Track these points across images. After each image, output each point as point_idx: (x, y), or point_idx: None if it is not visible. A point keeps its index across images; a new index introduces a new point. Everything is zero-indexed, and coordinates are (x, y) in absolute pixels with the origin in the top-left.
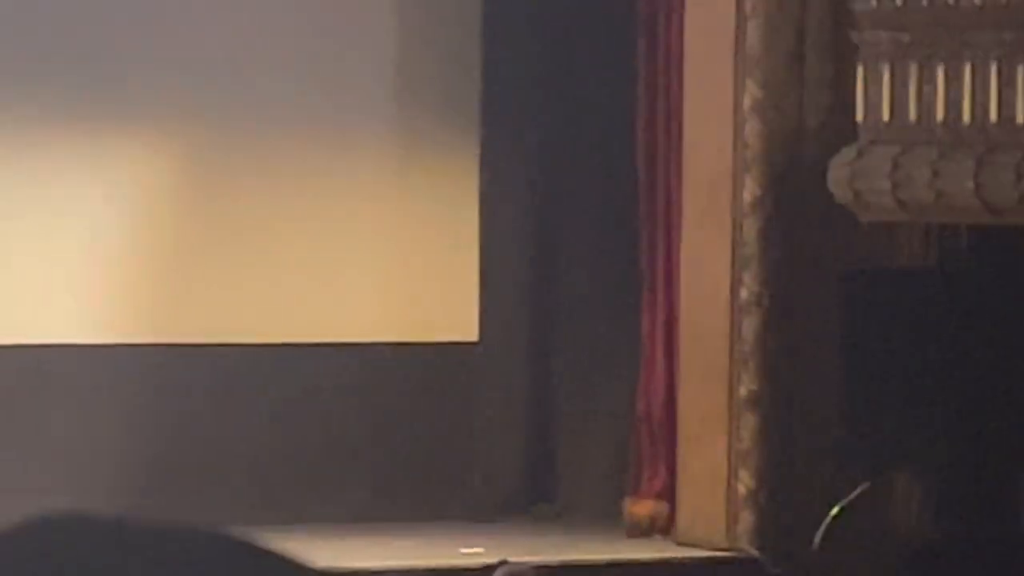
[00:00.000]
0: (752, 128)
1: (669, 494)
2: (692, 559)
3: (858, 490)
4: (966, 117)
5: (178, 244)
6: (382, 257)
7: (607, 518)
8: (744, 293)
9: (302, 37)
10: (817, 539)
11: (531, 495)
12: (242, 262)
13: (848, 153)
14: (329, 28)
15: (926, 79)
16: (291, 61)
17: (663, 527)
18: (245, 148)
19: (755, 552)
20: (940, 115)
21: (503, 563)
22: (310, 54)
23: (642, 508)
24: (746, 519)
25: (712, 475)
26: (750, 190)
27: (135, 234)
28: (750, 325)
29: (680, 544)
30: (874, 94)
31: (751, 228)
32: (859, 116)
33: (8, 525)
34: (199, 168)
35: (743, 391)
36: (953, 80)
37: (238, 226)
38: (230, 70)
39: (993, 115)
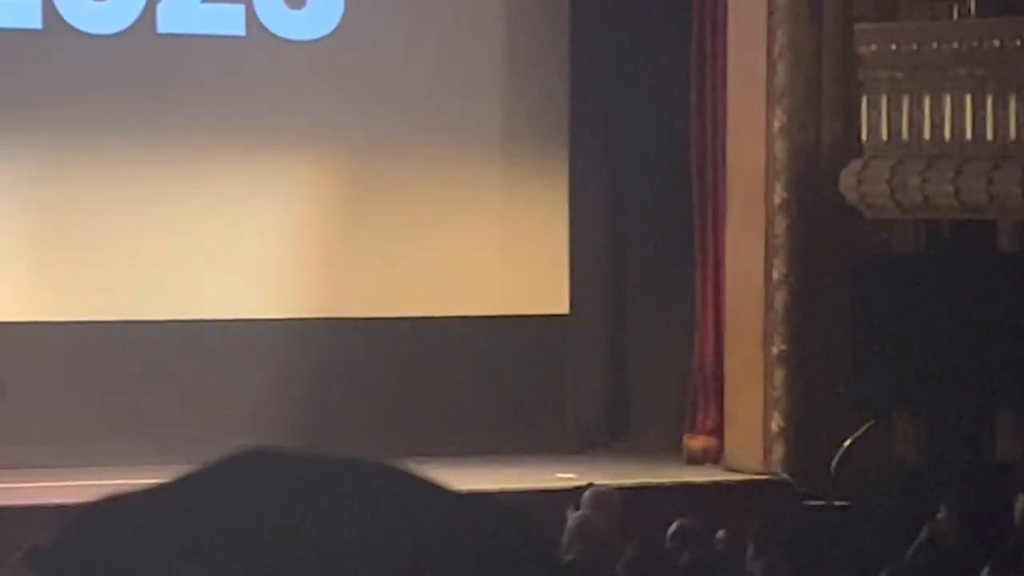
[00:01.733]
0: (780, 146)
1: (719, 431)
2: (737, 481)
3: (864, 427)
4: (947, 136)
5: (329, 240)
6: (492, 250)
7: (671, 450)
8: (775, 274)
9: (427, 76)
10: (833, 466)
11: (611, 433)
12: (381, 252)
13: (855, 165)
14: (446, 65)
15: (915, 107)
16: (420, 93)
17: (714, 457)
18: (383, 161)
19: (786, 476)
20: (927, 135)
21: (590, 485)
22: (434, 85)
23: (698, 442)
24: (778, 451)
25: (751, 416)
26: (779, 194)
27: (299, 232)
28: (780, 299)
29: (727, 470)
30: (875, 119)
31: (780, 224)
32: (864, 136)
33: (211, 459)
34: (349, 179)
35: (775, 351)
36: (936, 107)
37: (376, 223)
38: (371, 108)
39: (968, 134)
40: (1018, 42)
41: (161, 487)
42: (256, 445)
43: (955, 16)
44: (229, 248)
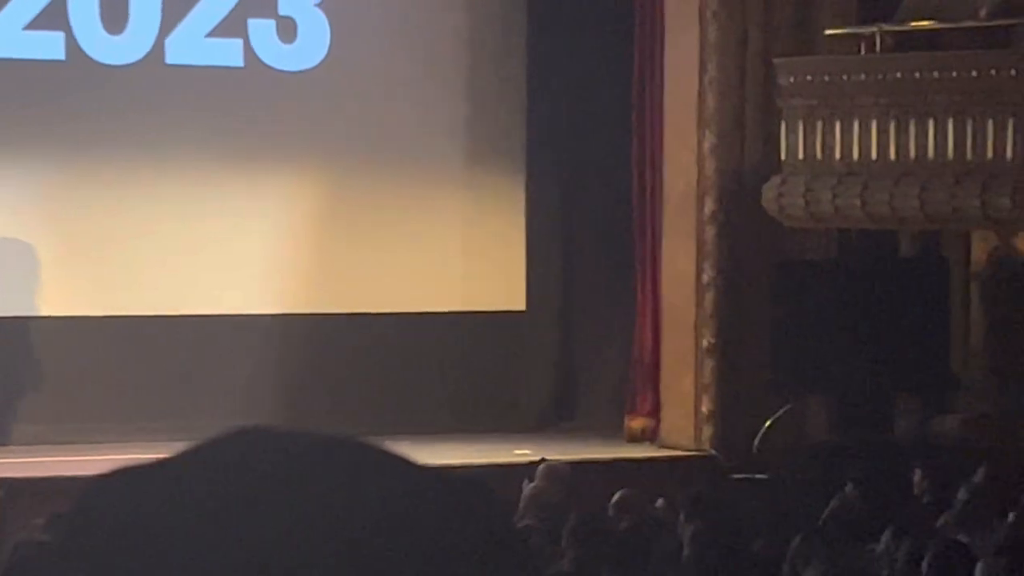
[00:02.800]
0: (709, 164)
1: (655, 413)
2: (671, 457)
3: (783, 410)
4: (855, 156)
5: (315, 241)
6: (452, 249)
7: (613, 430)
8: (705, 276)
9: (394, 101)
10: (755, 443)
11: (561, 415)
12: (356, 253)
13: (775, 181)
14: (413, 91)
15: (828, 131)
16: (389, 116)
17: (651, 436)
18: (356, 173)
19: (714, 452)
20: (838, 155)
21: (543, 460)
22: (401, 109)
23: (637, 423)
24: (707, 430)
25: (684, 400)
26: (708, 206)
27: (290, 234)
28: (710, 298)
29: (663, 447)
30: (792, 141)
31: (709, 232)
32: (783, 156)
33: (208, 437)
34: (334, 186)
35: (705, 343)
36: (846, 131)
37: (351, 228)
38: (350, 128)
39: (874, 154)
40: (916, 74)
41: (167, 460)
42: (250, 424)
43: (863, 51)
44: (223, 249)
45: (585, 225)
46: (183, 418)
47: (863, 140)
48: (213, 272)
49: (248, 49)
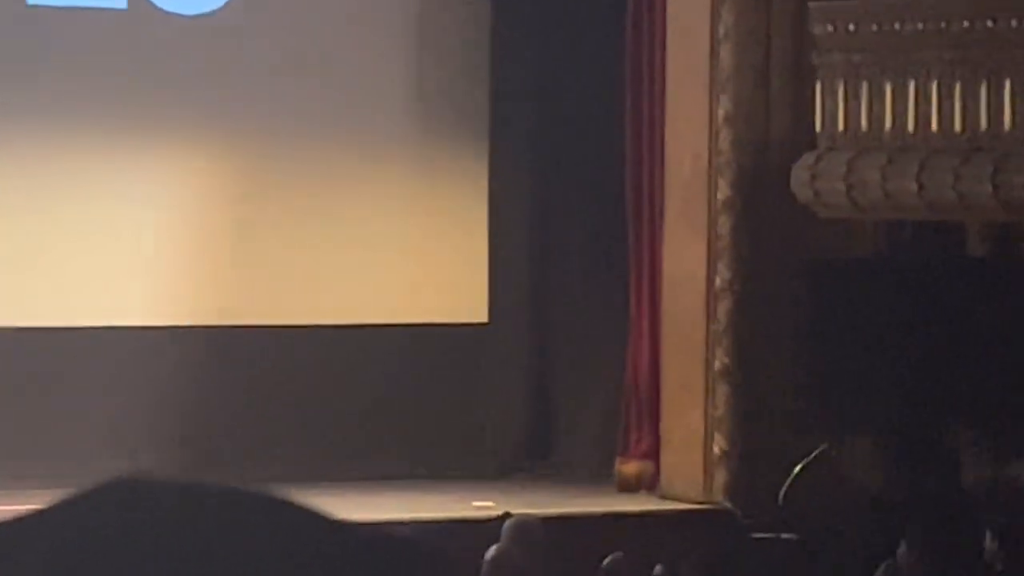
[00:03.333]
0: (724, 137)
1: (654, 455)
2: (674, 511)
3: (817, 451)
4: (910, 127)
5: (225, 239)
6: (405, 253)
7: (600, 476)
8: (718, 280)
9: (331, 58)
10: (782, 494)
11: (533, 456)
12: (282, 255)
13: (808, 159)
14: (353, 48)
15: (875, 94)
16: (323, 77)
17: (649, 484)
18: (285, 155)
19: (728, 505)
20: (888, 125)
21: (510, 515)
22: (340, 69)
23: (630, 467)
24: (720, 477)
25: (691, 438)
26: (723, 191)
27: (188, 229)
28: (723, 308)
29: (663, 498)
30: (830, 107)
31: (724, 224)
32: (817, 126)
33: (79, 489)
34: (242, 173)
35: (717, 365)
36: (899, 95)
37: (278, 224)
38: (271, 88)
39: (934, 125)
40: (990, 22)
41: (24, 518)
42: (126, 474)
43: None
44: (102, 247)
45: (563, 217)
46: (51, 457)
47: (921, 106)
48: (85, 274)
49: None
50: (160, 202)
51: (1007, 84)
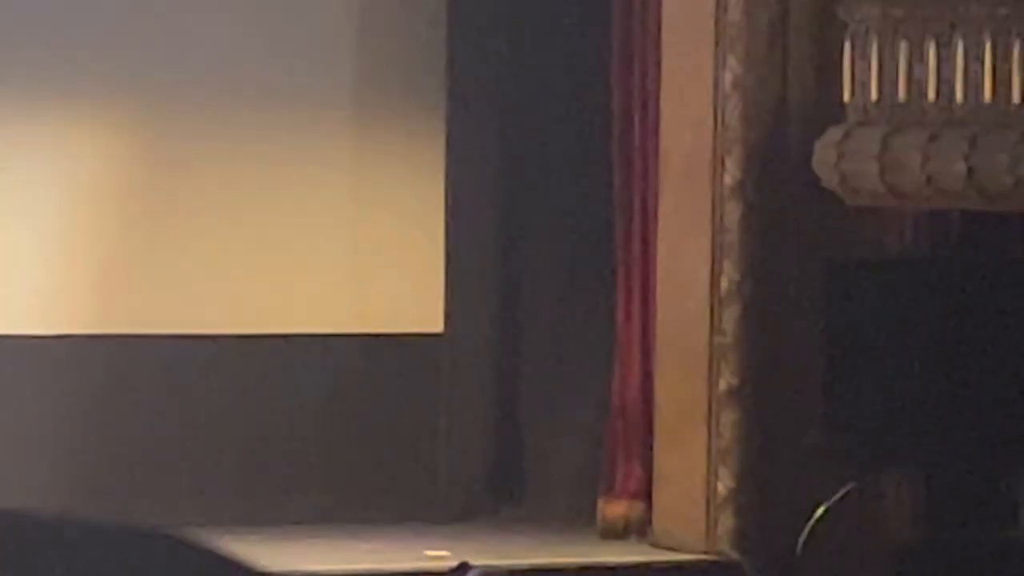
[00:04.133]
0: (732, 107)
1: (645, 494)
2: (669, 563)
3: (844, 490)
4: (959, 96)
5: (130, 231)
6: (345, 247)
7: (579, 519)
8: (724, 282)
9: (261, 15)
10: (801, 542)
11: (499, 494)
12: (198, 250)
13: (834, 134)
14: (290, 7)
15: (916, 56)
16: (249, 40)
17: (638, 528)
18: (201, 131)
19: (736, 556)
20: (931, 95)
21: (463, 566)
22: (268, 32)
23: (616, 508)
24: (726, 521)
25: (690, 474)
26: (730, 173)
27: (84, 220)
28: (731, 316)
29: (656, 547)
30: (862, 72)
31: (732, 213)
32: (846, 95)
33: None
34: (151, 151)
35: (723, 385)
36: (945, 57)
37: (194, 213)
38: (184, 48)
39: (987, 94)
40: None
41: None
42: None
43: None
44: None
45: (535, 207)
46: None
47: (971, 73)
48: None
49: None
50: (47, 186)
51: None
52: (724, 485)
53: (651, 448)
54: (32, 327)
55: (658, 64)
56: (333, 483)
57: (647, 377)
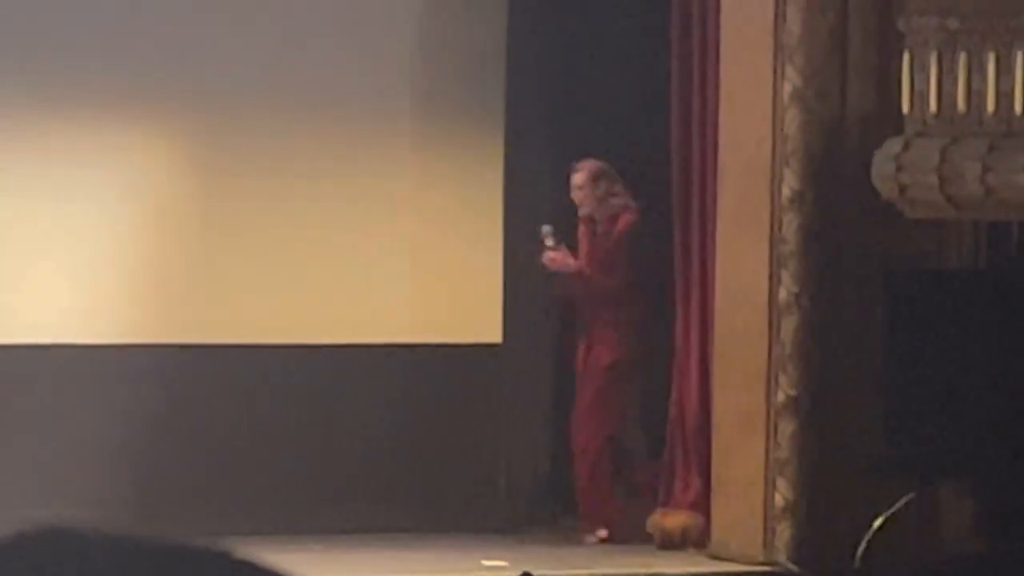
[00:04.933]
0: (791, 118)
1: (702, 504)
2: (727, 574)
3: (903, 501)
4: (1017, 108)
5: (193, 242)
6: (405, 259)
7: (638, 530)
8: (783, 293)
9: (321, 25)
10: (859, 553)
11: (557, 506)
12: (260, 260)
13: (893, 145)
14: (349, 17)
15: (976, 68)
16: (308, 50)
17: (696, 539)
18: (264, 143)
19: (793, 567)
20: (991, 106)
21: None
22: (329, 43)
23: (674, 519)
24: (784, 531)
25: (748, 484)
26: (789, 184)
27: (145, 229)
28: (789, 326)
29: (714, 558)
30: (921, 83)
31: (790, 224)
32: (905, 106)
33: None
34: (214, 164)
35: (781, 396)
36: (1005, 69)
37: (256, 224)
38: (244, 59)
39: None
40: None
41: None
42: (52, 524)
43: None
44: (38, 253)
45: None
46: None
47: None
48: (13, 283)
49: None
50: (108, 196)
51: None
52: (782, 496)
53: (709, 459)
54: (99, 337)
55: (717, 75)
56: (391, 492)
57: (705, 388)
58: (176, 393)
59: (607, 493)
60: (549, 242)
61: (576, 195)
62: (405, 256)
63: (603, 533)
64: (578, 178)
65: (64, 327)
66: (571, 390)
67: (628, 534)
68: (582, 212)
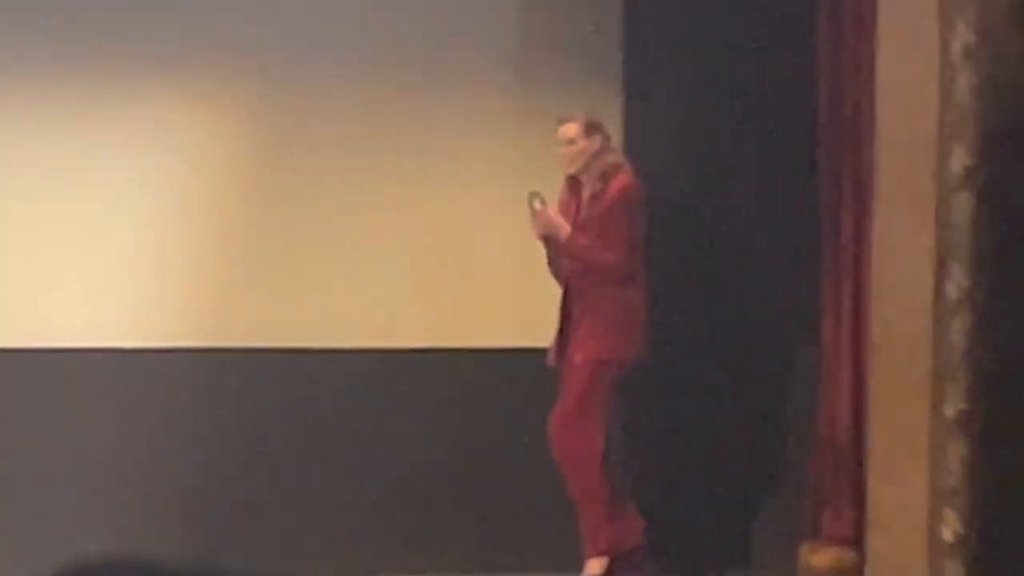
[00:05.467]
0: (963, 82)
1: (856, 538)
2: None
3: None
4: None
5: (252, 239)
6: (508, 255)
7: (782, 568)
8: (951, 288)
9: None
10: None
11: (681, 539)
12: (321, 259)
13: None
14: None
15: None
16: (405, 17)
17: None
18: (329, 127)
19: None
20: None
21: None
22: (421, 8)
23: (823, 557)
24: (952, 571)
25: (910, 516)
26: (959, 159)
27: (189, 225)
28: (959, 328)
29: None
30: None
31: (961, 207)
32: None
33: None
34: (276, 155)
35: (949, 411)
36: None
37: (318, 215)
38: (324, 29)
39: None
40: None
41: None
42: (97, 555)
43: None
44: (79, 248)
45: (726, 204)
46: (15, 519)
47: None
48: (57, 284)
49: None
50: (156, 184)
51: None
52: (950, 530)
53: (863, 485)
54: (130, 339)
55: (872, 31)
56: (480, 535)
57: (859, 403)
58: (226, 400)
59: (603, 512)
60: (536, 203)
61: (567, 152)
62: (505, 251)
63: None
64: (570, 129)
65: (111, 329)
66: (704, 406)
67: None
68: (571, 171)
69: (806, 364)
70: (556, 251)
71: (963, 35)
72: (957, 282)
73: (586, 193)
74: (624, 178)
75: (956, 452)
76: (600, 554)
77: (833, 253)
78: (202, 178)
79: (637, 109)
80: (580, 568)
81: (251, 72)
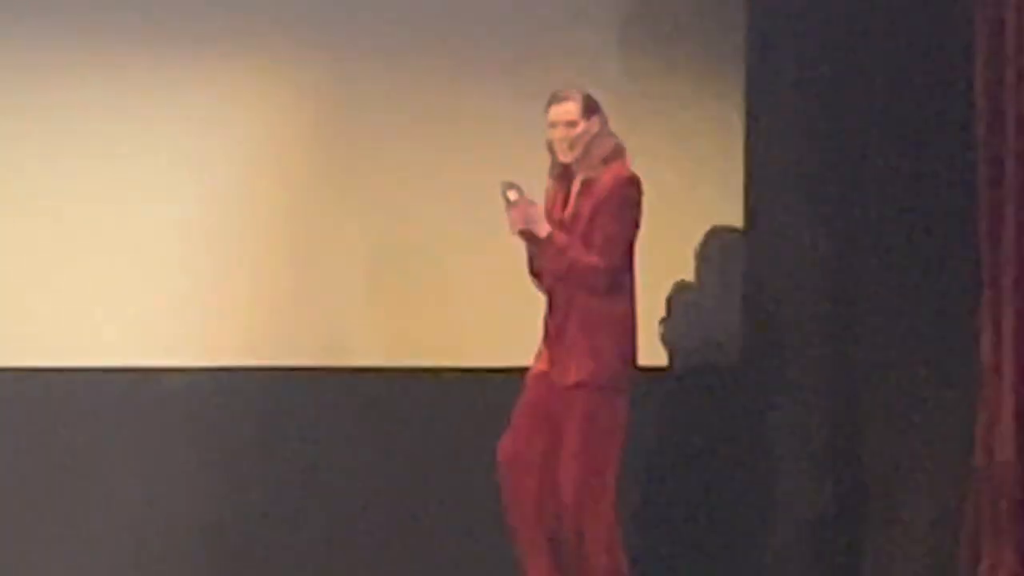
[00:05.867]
0: None
1: None
2: None
3: None
4: None
5: (297, 254)
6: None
7: None
8: None
9: None
10: None
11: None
12: (374, 273)
13: None
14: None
15: None
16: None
17: None
18: (402, 105)
19: None
20: None
21: None
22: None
23: None
24: None
25: None
26: None
27: (229, 226)
28: None
29: None
30: None
31: None
32: None
33: None
34: (332, 155)
35: None
36: None
37: (375, 219)
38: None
39: None
40: None
41: None
42: None
43: None
44: (118, 260)
45: (860, 201)
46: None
47: None
48: (96, 298)
49: None
50: (196, 188)
51: None
52: None
53: None
54: (177, 357)
55: None
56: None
57: (1022, 433)
58: (289, 420)
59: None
60: (512, 196)
61: (565, 135)
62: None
63: None
64: (568, 109)
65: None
66: (837, 426)
67: None
68: (569, 159)
69: (963, 382)
70: (536, 250)
71: None
72: None
73: (577, 180)
74: (622, 167)
75: None
76: None
77: (992, 263)
78: (246, 181)
79: (763, 110)
80: None
81: (312, 50)
